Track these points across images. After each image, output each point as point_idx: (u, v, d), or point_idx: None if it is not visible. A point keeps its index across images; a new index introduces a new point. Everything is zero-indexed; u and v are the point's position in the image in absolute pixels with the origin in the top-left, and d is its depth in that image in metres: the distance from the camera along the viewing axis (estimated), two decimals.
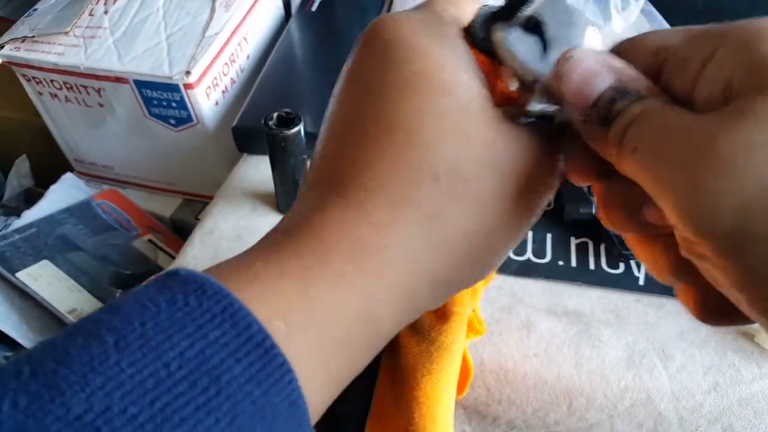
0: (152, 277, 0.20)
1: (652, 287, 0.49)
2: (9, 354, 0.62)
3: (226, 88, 0.65)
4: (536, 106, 0.23)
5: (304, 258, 0.20)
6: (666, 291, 0.49)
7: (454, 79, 0.23)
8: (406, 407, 0.37)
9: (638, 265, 0.51)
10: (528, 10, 0.23)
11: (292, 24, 0.71)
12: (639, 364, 0.45)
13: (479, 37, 0.24)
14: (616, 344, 0.46)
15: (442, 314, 0.38)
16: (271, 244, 0.22)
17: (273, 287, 0.20)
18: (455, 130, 0.22)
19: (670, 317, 0.48)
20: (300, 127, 0.50)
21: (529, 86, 0.23)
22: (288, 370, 0.18)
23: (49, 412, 0.15)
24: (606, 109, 0.20)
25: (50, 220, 0.68)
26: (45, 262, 0.64)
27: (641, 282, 0.49)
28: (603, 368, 0.45)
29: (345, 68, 0.26)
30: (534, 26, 0.24)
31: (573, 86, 0.21)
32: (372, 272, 0.21)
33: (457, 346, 0.39)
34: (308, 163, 0.25)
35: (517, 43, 0.23)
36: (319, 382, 0.19)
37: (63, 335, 0.17)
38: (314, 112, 0.58)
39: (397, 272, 0.21)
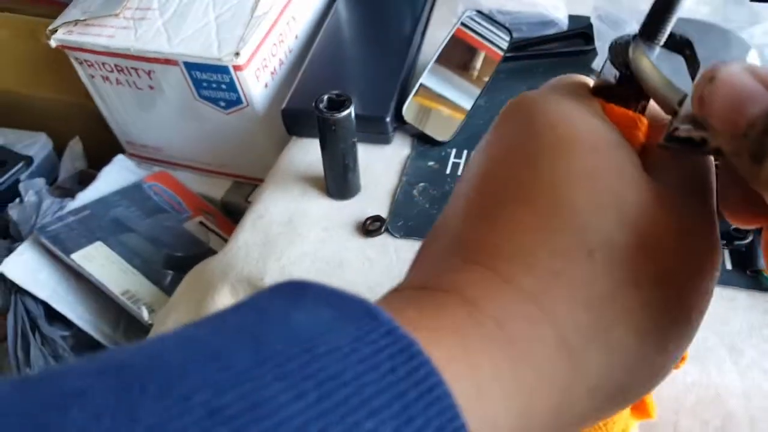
0: (348, 304, 0.16)
1: (723, 279, 0.46)
2: (66, 333, 0.64)
3: (274, 69, 0.64)
4: (683, 131, 0.20)
5: (493, 347, 0.18)
6: (737, 283, 0.46)
7: (601, 139, 0.21)
8: None
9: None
10: (672, 22, 0.21)
11: (340, 3, 0.70)
12: (706, 359, 0.43)
13: (618, 62, 0.22)
14: None
15: None
16: (450, 316, 0.18)
17: (469, 378, 0.17)
18: (609, 196, 0.20)
19: (741, 311, 0.45)
20: (351, 110, 0.49)
21: (674, 111, 0.20)
22: (446, 393, 0.15)
23: None
24: (759, 142, 0.17)
25: (103, 202, 0.69)
26: (99, 244, 0.65)
27: None
28: None
29: (485, 141, 0.24)
30: (681, 47, 0.22)
31: (718, 112, 0.18)
32: (523, 360, 0.18)
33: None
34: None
35: (661, 61, 0.21)
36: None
37: (246, 361, 0.14)
38: (363, 94, 0.57)
39: (549, 362, 0.18)
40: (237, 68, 0.58)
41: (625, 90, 0.23)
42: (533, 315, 0.18)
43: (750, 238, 0.46)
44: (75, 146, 0.80)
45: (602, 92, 0.24)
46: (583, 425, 0.20)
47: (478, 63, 0.60)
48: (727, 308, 0.45)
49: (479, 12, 0.61)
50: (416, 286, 0.20)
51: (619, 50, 0.23)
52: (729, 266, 0.47)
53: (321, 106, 0.49)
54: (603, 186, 0.20)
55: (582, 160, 0.20)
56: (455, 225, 0.22)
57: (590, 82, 0.24)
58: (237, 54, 0.58)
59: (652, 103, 0.23)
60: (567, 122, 0.21)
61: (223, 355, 0.14)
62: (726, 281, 0.46)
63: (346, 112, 0.48)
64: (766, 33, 0.56)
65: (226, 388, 0.13)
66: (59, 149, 0.81)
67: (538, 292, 0.19)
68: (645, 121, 0.22)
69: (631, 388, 0.20)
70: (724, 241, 0.46)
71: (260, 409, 0.13)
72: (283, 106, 0.58)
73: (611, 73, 0.23)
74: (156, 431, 0.12)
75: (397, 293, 0.20)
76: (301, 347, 0.14)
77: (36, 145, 0.79)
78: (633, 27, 0.59)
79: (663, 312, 0.19)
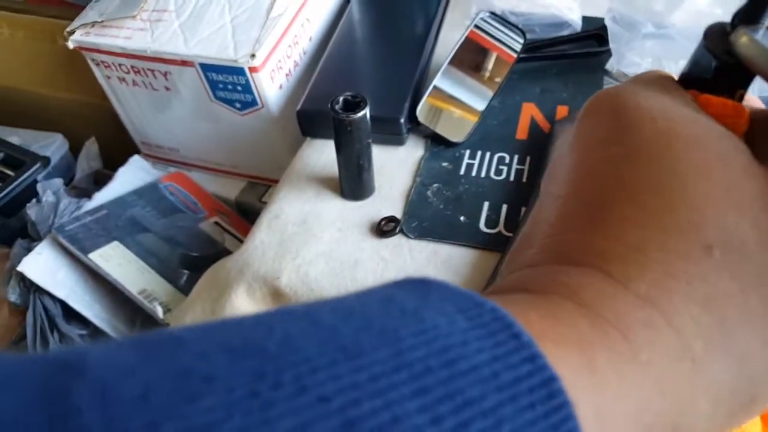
0: (496, 314, 0.15)
1: None
2: (83, 332, 0.65)
3: (289, 71, 0.65)
4: None
5: (614, 349, 0.17)
6: None
7: (704, 131, 0.20)
8: None
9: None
10: None
11: (354, 4, 0.70)
12: None
13: (717, 49, 0.22)
14: None
15: None
16: (569, 324, 0.17)
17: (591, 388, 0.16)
18: (723, 188, 0.18)
19: None
20: (366, 111, 0.49)
21: None
22: None
23: None
24: None
25: (120, 202, 0.70)
26: (116, 244, 0.65)
27: None
28: None
29: (574, 139, 0.23)
30: None
31: None
32: (648, 374, 0.17)
33: None
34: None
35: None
36: None
37: (394, 376, 0.13)
38: (377, 95, 0.57)
39: (673, 372, 0.17)
40: (252, 70, 0.59)
41: (723, 79, 0.22)
42: (655, 321, 0.17)
43: None
44: (91, 146, 0.81)
45: (693, 84, 0.23)
46: None
47: (492, 65, 0.60)
48: None
49: (492, 13, 0.61)
50: (520, 289, 0.19)
51: (718, 38, 0.22)
52: None
53: (337, 107, 0.49)
54: (715, 179, 0.19)
55: (688, 153, 0.19)
56: (551, 229, 0.21)
57: (673, 76, 0.23)
58: (253, 56, 0.58)
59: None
60: (665, 115, 0.20)
61: (357, 352, 0.13)
62: None
63: (361, 113, 0.49)
64: None
65: (364, 396, 0.12)
66: (75, 149, 0.82)
67: (656, 296, 0.17)
68: (746, 110, 0.22)
69: (757, 397, 0.18)
70: None
71: (396, 427, 0.12)
72: (298, 107, 0.58)
73: (705, 64, 0.22)
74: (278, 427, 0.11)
75: (505, 294, 0.19)
76: (440, 360, 0.13)
77: (53, 145, 0.80)
78: (648, 28, 0.59)
79: None
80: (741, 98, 0.23)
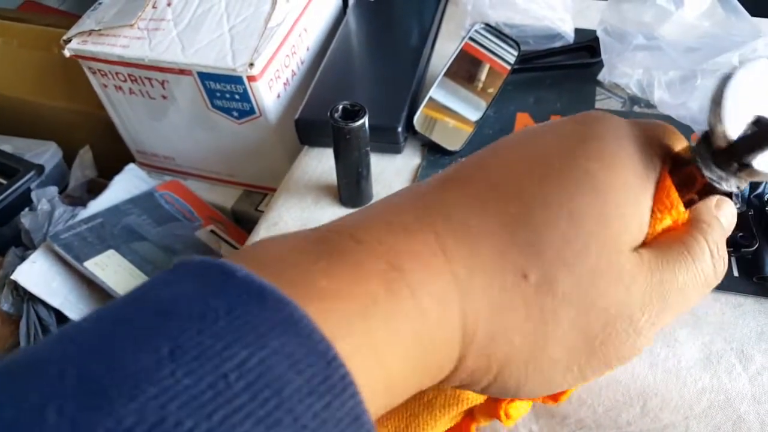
0: (201, 262, 0.18)
1: (730, 285, 0.47)
2: None
3: (287, 80, 0.65)
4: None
5: (373, 281, 0.19)
6: (744, 289, 0.47)
7: (632, 179, 0.22)
8: None
9: (729, 195, 0.49)
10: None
11: (350, 15, 0.71)
12: (717, 365, 0.44)
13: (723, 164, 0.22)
14: (692, 344, 0.45)
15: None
16: (338, 254, 0.20)
17: (337, 306, 0.19)
18: (597, 259, 0.21)
19: (749, 317, 0.46)
20: (365, 120, 0.50)
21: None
22: (350, 383, 0.17)
23: (98, 422, 0.14)
24: None
25: (115, 211, 0.70)
26: (111, 252, 0.65)
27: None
28: (679, 368, 0.44)
29: (545, 133, 0.25)
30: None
31: None
32: (435, 298, 0.20)
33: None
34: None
35: None
36: (377, 402, 0.19)
37: (108, 333, 0.16)
38: (374, 105, 0.58)
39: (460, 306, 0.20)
40: (251, 79, 0.59)
41: (694, 178, 0.23)
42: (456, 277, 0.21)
43: (756, 246, 0.47)
44: (85, 155, 0.81)
45: (677, 161, 0.23)
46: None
47: (486, 76, 0.61)
48: (735, 314, 0.46)
49: (487, 25, 0.63)
50: (347, 231, 0.21)
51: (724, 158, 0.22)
52: (735, 273, 0.48)
53: (336, 115, 0.50)
54: (595, 254, 0.21)
55: (592, 215, 0.21)
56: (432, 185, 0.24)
57: (680, 142, 0.24)
58: (251, 65, 0.59)
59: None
60: (611, 168, 0.22)
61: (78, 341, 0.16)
62: (733, 287, 0.47)
63: (360, 122, 0.49)
64: (767, 47, 0.57)
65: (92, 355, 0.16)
66: (69, 158, 0.82)
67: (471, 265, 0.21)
68: (684, 216, 0.23)
69: (518, 378, 0.22)
70: (731, 249, 0.47)
71: (117, 361, 0.15)
72: (297, 116, 0.59)
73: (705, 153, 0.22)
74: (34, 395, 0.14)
75: (328, 245, 0.21)
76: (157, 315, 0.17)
77: (46, 153, 0.80)
78: (638, 40, 0.60)
79: (583, 337, 0.21)
80: (689, 203, 0.24)
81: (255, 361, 0.16)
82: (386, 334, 0.19)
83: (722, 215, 0.25)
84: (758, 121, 0.21)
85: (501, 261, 0.21)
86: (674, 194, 0.23)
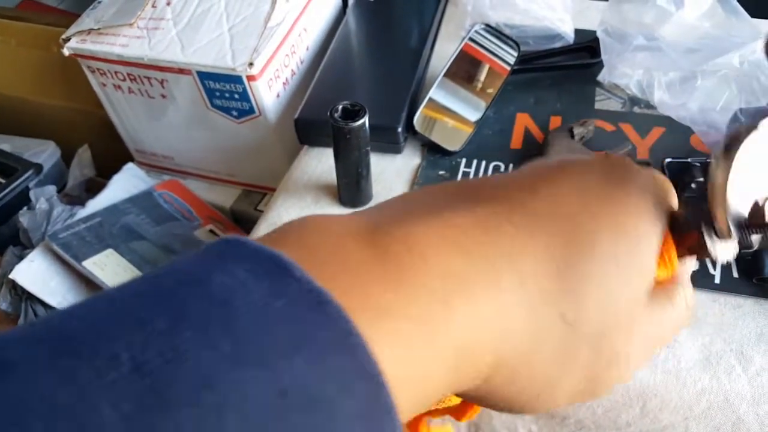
0: (255, 251, 0.18)
1: (729, 287, 0.47)
2: None
3: (286, 80, 0.65)
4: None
5: (433, 304, 0.19)
6: (744, 291, 0.47)
7: (649, 259, 0.23)
8: None
9: (714, 264, 0.49)
10: None
11: (350, 15, 0.71)
12: (716, 366, 0.44)
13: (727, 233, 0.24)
14: (692, 345, 0.45)
15: None
16: (395, 268, 0.20)
17: (393, 326, 0.18)
18: (624, 306, 0.23)
19: (749, 318, 0.46)
20: (365, 119, 0.50)
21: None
22: (395, 417, 0.16)
23: (156, 427, 0.14)
24: None
25: (114, 210, 0.70)
26: (110, 251, 0.65)
27: (717, 281, 0.48)
28: (678, 369, 0.44)
29: (583, 172, 0.25)
30: None
31: None
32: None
33: None
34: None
35: None
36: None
37: (167, 322, 0.15)
38: (374, 105, 0.58)
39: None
40: (250, 78, 0.59)
41: (693, 241, 0.24)
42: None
43: (756, 247, 0.47)
44: (83, 154, 0.81)
45: (674, 220, 0.25)
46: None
47: (486, 77, 0.61)
48: (735, 316, 0.46)
49: (487, 26, 0.62)
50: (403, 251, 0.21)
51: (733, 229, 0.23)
52: (735, 274, 0.48)
53: (336, 115, 0.50)
54: (621, 305, 0.22)
55: (619, 272, 0.22)
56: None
57: (674, 197, 0.26)
58: (251, 64, 0.59)
59: None
60: (645, 203, 0.24)
61: (148, 318, 0.15)
62: (732, 289, 0.47)
63: (360, 122, 0.49)
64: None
65: (149, 345, 0.15)
66: (68, 157, 0.82)
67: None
68: (673, 268, 0.24)
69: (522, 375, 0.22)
70: None
71: (180, 359, 0.15)
72: (296, 115, 0.59)
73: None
74: (89, 387, 0.14)
75: (383, 260, 0.20)
76: (218, 305, 0.16)
77: (45, 152, 0.80)
78: (638, 40, 0.60)
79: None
80: (681, 256, 0.25)
81: (313, 379, 0.15)
82: (431, 355, 0.19)
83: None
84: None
85: (544, 297, 0.21)
86: (674, 252, 0.24)
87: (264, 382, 0.15)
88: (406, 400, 0.18)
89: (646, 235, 0.23)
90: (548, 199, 0.23)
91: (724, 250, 0.24)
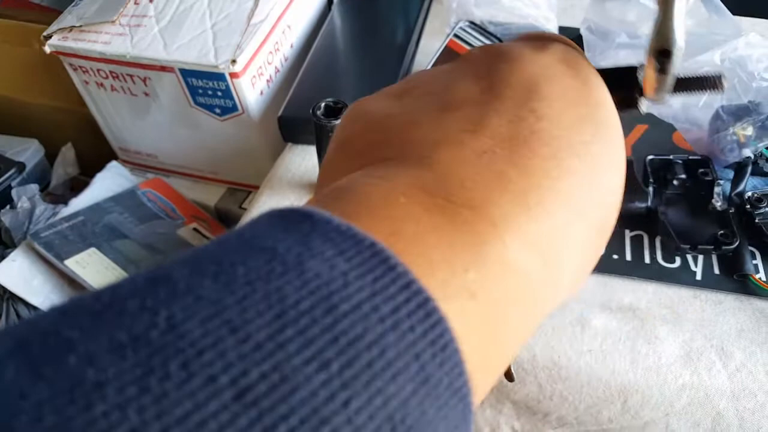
0: (298, 212, 0.16)
1: (710, 282, 0.48)
2: None
3: (270, 77, 0.65)
4: None
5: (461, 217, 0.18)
6: (724, 287, 0.47)
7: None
8: None
9: (695, 260, 0.49)
10: None
11: (335, 12, 0.71)
12: (697, 362, 0.44)
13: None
14: (672, 341, 0.45)
15: None
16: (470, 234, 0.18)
17: (436, 249, 0.17)
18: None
19: (729, 314, 0.46)
20: None
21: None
22: (456, 350, 0.15)
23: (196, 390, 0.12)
24: None
25: (97, 209, 0.69)
26: (92, 250, 0.65)
27: (698, 277, 0.48)
28: (659, 365, 0.44)
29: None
30: None
31: None
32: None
33: None
34: None
35: None
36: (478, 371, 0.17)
37: (279, 336, 0.13)
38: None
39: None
40: (233, 76, 0.59)
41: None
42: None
43: (736, 243, 0.47)
44: (67, 152, 0.80)
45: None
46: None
47: None
48: (715, 312, 0.47)
49: (471, 23, 0.62)
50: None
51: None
52: (716, 270, 0.48)
53: (318, 112, 0.49)
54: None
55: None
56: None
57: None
58: (233, 61, 0.58)
59: None
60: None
61: (242, 323, 0.13)
62: (713, 285, 0.48)
63: None
64: (748, 45, 0.57)
65: (251, 365, 0.13)
66: (51, 155, 0.81)
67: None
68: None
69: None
70: (712, 246, 0.47)
71: (286, 385, 0.13)
72: (280, 113, 0.59)
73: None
74: (186, 420, 0.12)
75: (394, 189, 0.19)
76: (323, 308, 0.14)
77: (28, 151, 0.79)
78: (621, 38, 0.60)
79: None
80: None
81: (418, 407, 0.14)
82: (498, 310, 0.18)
83: None
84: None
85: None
86: None
87: (375, 409, 0.13)
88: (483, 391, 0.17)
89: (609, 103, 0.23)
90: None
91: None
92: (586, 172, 0.21)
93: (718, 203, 0.50)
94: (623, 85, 0.25)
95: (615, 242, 0.50)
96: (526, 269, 0.19)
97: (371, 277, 0.15)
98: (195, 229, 0.70)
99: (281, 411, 0.12)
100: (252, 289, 0.14)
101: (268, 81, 0.65)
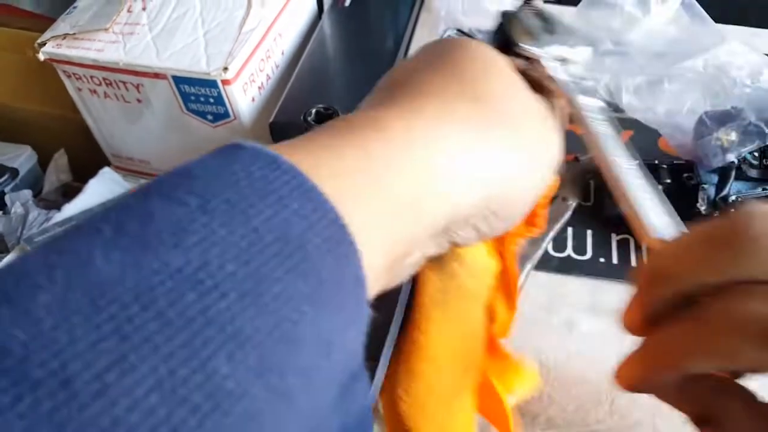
0: (214, 150, 0.20)
1: None
2: None
3: (262, 84, 0.66)
4: None
5: (365, 133, 0.24)
6: None
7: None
8: (407, 350, 0.34)
9: None
10: None
11: (325, 20, 0.72)
12: None
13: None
14: None
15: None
16: (329, 129, 0.25)
17: (334, 161, 0.21)
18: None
19: None
20: None
21: None
22: (356, 250, 0.18)
23: (146, 264, 0.15)
24: None
25: (90, 214, 0.69)
26: None
27: None
28: None
29: (435, 48, 0.32)
30: None
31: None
32: (424, 141, 0.24)
33: (479, 291, 0.35)
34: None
35: None
36: (376, 262, 0.20)
37: (133, 200, 0.17)
38: (349, 107, 0.58)
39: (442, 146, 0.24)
40: (225, 83, 0.60)
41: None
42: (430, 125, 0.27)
43: None
44: (60, 159, 0.80)
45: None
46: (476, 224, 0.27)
47: None
48: None
49: (459, 31, 0.63)
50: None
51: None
52: None
53: (309, 119, 0.50)
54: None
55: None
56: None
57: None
58: (225, 69, 0.59)
59: None
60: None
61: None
62: None
63: None
64: (729, 53, 0.59)
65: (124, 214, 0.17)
66: (44, 162, 0.81)
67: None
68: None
69: (511, 183, 0.28)
70: None
71: (146, 216, 0.17)
72: (271, 119, 0.59)
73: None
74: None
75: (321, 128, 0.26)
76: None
77: (21, 157, 0.79)
78: (606, 45, 0.61)
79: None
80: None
81: (279, 219, 0.17)
82: (384, 200, 0.22)
83: None
84: None
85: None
86: None
87: (237, 223, 0.16)
88: (375, 238, 0.20)
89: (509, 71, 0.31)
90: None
91: None
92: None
93: (702, 207, 0.51)
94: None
95: (601, 246, 0.51)
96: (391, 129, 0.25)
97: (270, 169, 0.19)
98: None
99: (145, 231, 0.16)
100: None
101: (259, 88, 0.65)
